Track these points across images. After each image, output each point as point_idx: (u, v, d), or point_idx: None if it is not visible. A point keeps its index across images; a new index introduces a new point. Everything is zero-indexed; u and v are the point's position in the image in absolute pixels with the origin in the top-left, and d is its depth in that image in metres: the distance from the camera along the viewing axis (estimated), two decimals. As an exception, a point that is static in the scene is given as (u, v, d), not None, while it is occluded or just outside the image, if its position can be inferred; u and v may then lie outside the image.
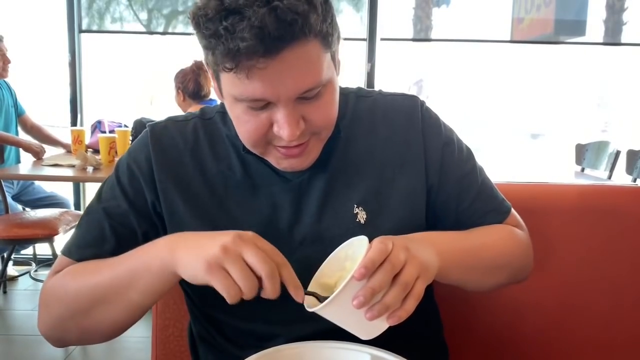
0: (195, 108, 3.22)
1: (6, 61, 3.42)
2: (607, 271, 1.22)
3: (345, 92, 0.96)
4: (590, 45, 4.49)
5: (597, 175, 3.24)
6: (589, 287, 1.22)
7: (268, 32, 0.69)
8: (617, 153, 3.19)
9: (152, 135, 0.93)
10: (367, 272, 0.68)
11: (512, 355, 1.20)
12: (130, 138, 3.57)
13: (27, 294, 3.54)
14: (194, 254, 0.72)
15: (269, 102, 0.77)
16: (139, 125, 3.77)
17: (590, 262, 1.22)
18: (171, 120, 0.96)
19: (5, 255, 3.36)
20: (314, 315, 0.72)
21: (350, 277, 0.68)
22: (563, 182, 1.34)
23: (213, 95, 3.36)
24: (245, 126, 0.80)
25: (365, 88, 1.00)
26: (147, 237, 0.88)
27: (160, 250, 0.77)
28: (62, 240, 3.03)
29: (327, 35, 0.76)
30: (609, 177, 3.13)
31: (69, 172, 2.99)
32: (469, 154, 0.99)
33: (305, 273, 0.84)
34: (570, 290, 1.22)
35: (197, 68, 3.28)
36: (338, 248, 0.78)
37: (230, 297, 0.69)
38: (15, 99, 3.58)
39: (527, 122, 5.93)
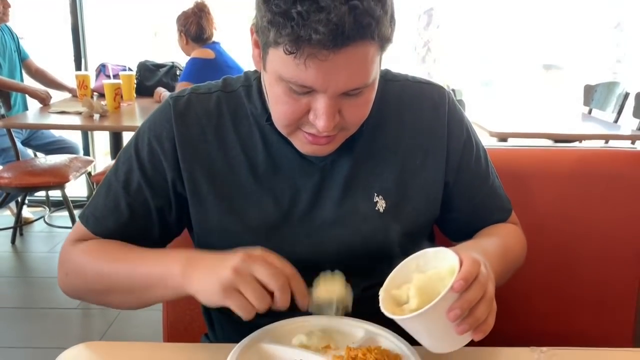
0: (198, 52, 3.22)
1: (6, 5, 3.37)
2: (601, 233, 1.25)
3: None
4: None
5: (604, 119, 3.22)
6: (583, 249, 1.25)
7: (343, 30, 0.69)
8: (626, 95, 3.15)
9: (175, 111, 0.91)
10: (466, 285, 0.69)
11: (505, 317, 1.25)
12: (135, 81, 3.57)
13: (42, 236, 3.65)
14: (208, 280, 0.75)
15: (313, 90, 0.77)
16: (144, 68, 3.76)
17: (586, 225, 1.24)
18: (194, 93, 0.94)
19: (19, 199, 3.44)
20: None
21: (448, 289, 0.68)
22: (562, 146, 1.35)
23: (216, 37, 3.30)
24: (282, 106, 0.80)
25: (392, 71, 0.99)
26: (162, 214, 0.92)
27: (175, 270, 0.80)
28: (72, 186, 3.10)
29: (387, 41, 0.77)
30: (616, 120, 3.11)
31: (76, 120, 3.01)
32: (485, 154, 1.01)
33: (320, 256, 0.89)
34: (564, 252, 1.25)
35: (198, 10, 3.21)
36: (408, 258, 0.78)
37: (245, 315, 0.74)
38: (17, 43, 3.55)
39: (540, 52, 5.80)
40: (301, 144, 0.85)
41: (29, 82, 3.61)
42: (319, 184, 0.91)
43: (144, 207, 0.91)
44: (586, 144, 3.34)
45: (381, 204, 0.91)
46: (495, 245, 0.93)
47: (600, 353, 0.89)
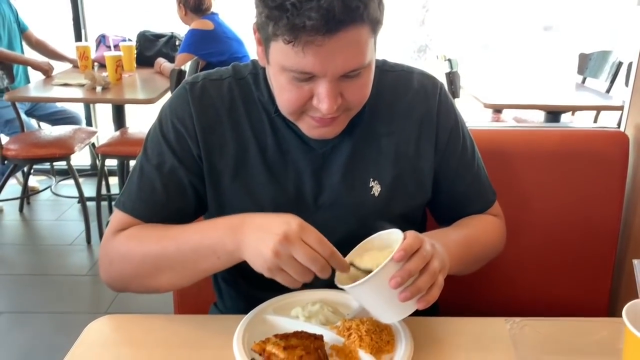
0: (198, 23, 3.26)
1: (4, -24, 3.37)
2: (581, 210, 1.33)
3: None
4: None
5: (597, 88, 3.27)
6: (563, 224, 1.33)
7: (333, 14, 0.76)
8: (619, 64, 3.19)
9: (192, 94, 0.97)
10: (406, 255, 0.77)
11: (487, 289, 1.34)
12: (135, 52, 3.60)
13: (49, 205, 3.75)
14: (255, 255, 0.80)
15: (314, 76, 0.83)
16: (143, 38, 3.78)
17: (567, 202, 1.32)
18: (207, 79, 1.00)
19: (25, 169, 3.52)
20: None
21: (389, 259, 0.76)
22: (545, 127, 1.41)
23: (215, 8, 3.33)
24: (287, 95, 0.87)
25: (389, 62, 1.05)
26: (196, 189, 0.98)
27: (226, 238, 0.84)
28: (76, 156, 3.18)
29: (377, 23, 0.84)
30: (608, 90, 3.16)
31: (78, 92, 3.07)
32: (472, 144, 1.07)
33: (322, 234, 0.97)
34: (545, 227, 1.33)
35: (197, -19, 3.23)
36: (366, 239, 0.86)
37: (292, 286, 0.80)
38: (16, 15, 3.56)
39: (540, 13, 5.77)
40: (308, 127, 0.92)
41: (29, 53, 3.63)
42: (320, 169, 0.98)
43: (179, 185, 0.97)
44: (576, 116, 3.41)
45: (376, 189, 0.99)
46: (461, 235, 1.01)
47: (572, 323, 0.94)
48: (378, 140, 0.99)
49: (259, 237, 0.80)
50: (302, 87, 0.85)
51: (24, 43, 3.63)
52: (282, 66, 0.84)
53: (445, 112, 1.03)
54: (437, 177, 1.04)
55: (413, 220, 1.06)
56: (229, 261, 0.86)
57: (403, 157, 1.00)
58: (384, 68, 1.02)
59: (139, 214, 0.97)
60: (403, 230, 0.98)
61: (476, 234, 1.04)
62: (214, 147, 0.97)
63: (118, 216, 0.99)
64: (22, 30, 3.61)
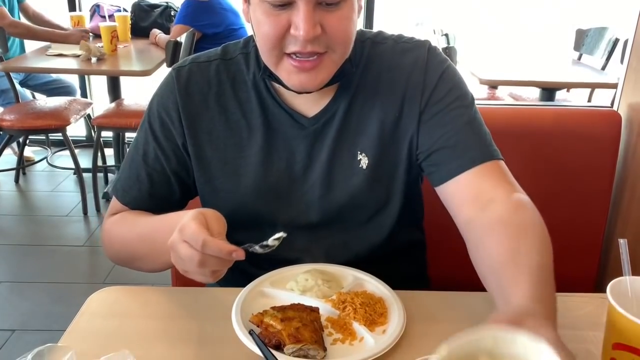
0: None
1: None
2: (572, 187, 1.35)
3: (362, 39, 0.99)
4: None
5: (592, 65, 3.27)
6: (554, 202, 1.35)
7: None
8: (616, 41, 3.19)
9: (177, 82, 0.98)
10: None
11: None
12: (130, 22, 3.56)
13: (45, 176, 3.75)
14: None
15: (291, 2, 0.82)
16: (138, 8, 3.74)
17: (558, 180, 1.35)
18: (194, 63, 1.00)
19: (20, 140, 3.51)
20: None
21: None
22: (539, 105, 1.43)
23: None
24: (264, 28, 0.85)
25: (384, 33, 1.02)
26: (180, 178, 1.01)
27: (168, 236, 0.81)
28: (72, 127, 3.17)
29: None
30: (604, 67, 3.16)
31: (73, 63, 3.05)
32: (471, 98, 0.99)
33: (311, 212, 0.99)
34: (537, 204, 1.36)
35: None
36: (480, 330, 0.59)
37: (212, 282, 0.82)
38: (13, -16, 3.51)
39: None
40: (288, 74, 0.88)
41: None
42: (310, 146, 0.98)
43: (163, 175, 1.00)
44: (571, 93, 3.41)
45: (364, 162, 0.98)
46: (549, 287, 0.78)
47: (559, 298, 0.95)
48: (365, 111, 0.97)
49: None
50: (278, 15, 0.83)
51: (20, 15, 3.57)
52: None
53: (433, 64, 0.97)
54: (427, 125, 0.96)
55: (406, 195, 1.03)
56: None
57: (389, 126, 0.97)
58: (375, 40, 1.00)
59: (127, 201, 1.03)
60: (389, 202, 1.00)
61: (548, 263, 0.82)
62: (201, 134, 0.98)
63: (113, 201, 1.06)
64: (20, 1, 3.56)
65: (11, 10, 3.46)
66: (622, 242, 0.75)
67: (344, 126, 0.97)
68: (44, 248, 2.87)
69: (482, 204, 0.88)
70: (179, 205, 1.04)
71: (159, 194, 1.02)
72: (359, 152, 0.98)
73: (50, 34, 3.39)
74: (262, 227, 0.95)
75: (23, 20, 3.58)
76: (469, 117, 0.96)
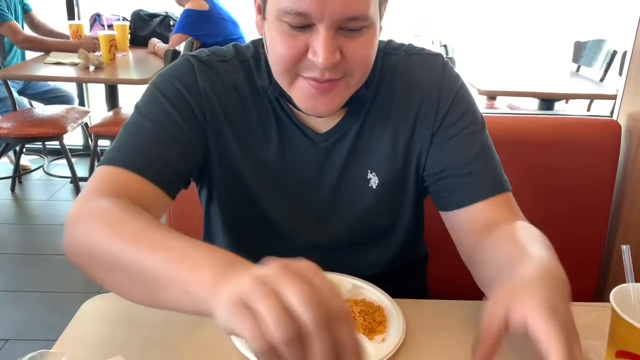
0: (193, 3, 3.25)
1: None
2: (572, 198, 1.35)
3: None
4: None
5: (591, 77, 3.28)
6: (554, 212, 1.35)
7: None
8: (614, 53, 3.20)
9: (198, 66, 0.91)
10: None
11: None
12: (129, 31, 3.57)
13: (41, 184, 3.73)
14: (223, 293, 0.53)
15: (310, 25, 0.77)
16: (137, 18, 3.76)
17: (558, 190, 1.34)
18: (213, 55, 0.94)
19: (17, 148, 3.50)
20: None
21: None
22: (538, 114, 1.43)
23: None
24: (280, 47, 0.79)
25: (394, 43, 0.98)
26: (193, 147, 0.90)
27: (206, 275, 0.56)
28: (69, 136, 3.16)
29: None
30: (602, 79, 3.17)
31: (71, 72, 3.05)
32: (482, 121, 0.96)
33: (321, 232, 0.98)
34: (536, 214, 1.34)
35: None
36: None
37: (251, 341, 0.48)
38: (22, -5, 3.51)
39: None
40: (302, 96, 0.84)
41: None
42: (321, 164, 0.94)
43: (174, 138, 0.88)
44: (570, 104, 3.42)
45: (374, 181, 0.95)
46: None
47: None
48: (376, 129, 0.94)
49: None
50: (296, 37, 0.78)
51: (25, 24, 3.56)
52: (277, 12, 0.77)
53: (449, 82, 0.94)
54: (438, 149, 0.94)
55: (411, 212, 1.02)
56: (197, 306, 0.57)
57: (400, 144, 0.94)
58: (386, 51, 0.96)
59: (132, 165, 0.82)
60: (398, 223, 0.98)
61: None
62: (221, 118, 0.91)
63: (103, 172, 0.82)
64: (26, 11, 3.56)
65: (17, 20, 3.45)
66: (625, 248, 0.74)
67: (355, 145, 0.94)
68: (39, 257, 2.84)
69: (490, 230, 0.87)
70: (183, 179, 0.91)
71: (165, 160, 0.86)
72: (369, 171, 0.95)
73: (64, 44, 3.36)
74: (273, 229, 0.98)
75: (26, 29, 3.57)
76: (482, 143, 0.94)
